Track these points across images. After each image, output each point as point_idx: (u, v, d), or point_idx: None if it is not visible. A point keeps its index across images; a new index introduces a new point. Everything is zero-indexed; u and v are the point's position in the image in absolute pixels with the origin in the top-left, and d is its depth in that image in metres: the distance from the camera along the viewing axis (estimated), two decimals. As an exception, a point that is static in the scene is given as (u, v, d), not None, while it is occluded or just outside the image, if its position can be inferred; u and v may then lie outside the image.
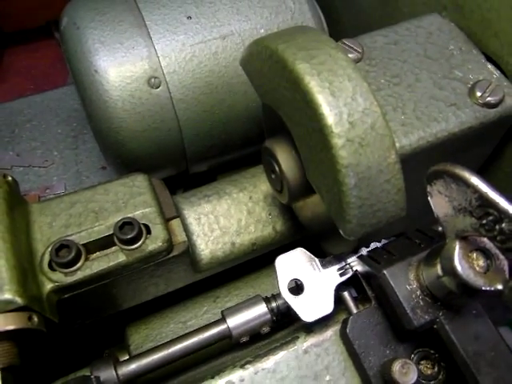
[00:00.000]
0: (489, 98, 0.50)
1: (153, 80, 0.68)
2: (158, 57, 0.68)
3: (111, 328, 0.71)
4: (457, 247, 0.38)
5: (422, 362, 0.46)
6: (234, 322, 0.54)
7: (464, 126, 0.49)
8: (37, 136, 1.05)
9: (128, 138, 0.70)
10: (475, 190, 0.35)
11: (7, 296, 0.43)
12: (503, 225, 0.35)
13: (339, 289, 0.51)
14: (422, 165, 0.42)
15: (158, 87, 0.68)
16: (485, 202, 0.35)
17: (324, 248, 0.65)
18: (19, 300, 0.44)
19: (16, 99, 1.12)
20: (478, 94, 0.50)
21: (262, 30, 0.72)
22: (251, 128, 0.77)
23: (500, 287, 0.37)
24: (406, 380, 0.42)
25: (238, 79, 0.71)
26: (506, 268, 0.37)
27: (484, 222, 0.36)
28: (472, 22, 0.55)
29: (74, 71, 0.70)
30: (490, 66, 0.53)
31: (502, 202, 0.35)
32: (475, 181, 0.35)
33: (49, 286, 0.50)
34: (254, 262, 0.73)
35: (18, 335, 0.44)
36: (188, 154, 0.76)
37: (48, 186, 0.97)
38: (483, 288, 0.37)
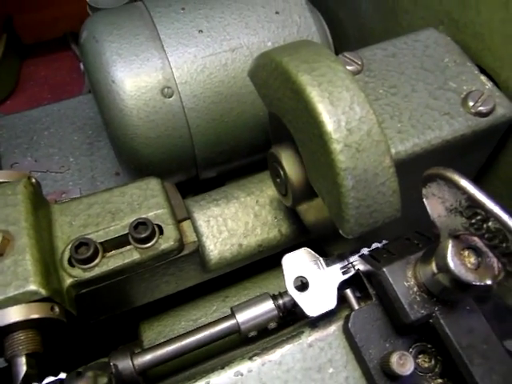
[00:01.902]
0: (480, 108, 0.53)
1: (166, 90, 0.72)
2: (172, 68, 0.72)
3: (124, 326, 0.75)
4: (450, 245, 0.40)
5: (420, 356, 0.48)
6: (243, 317, 0.56)
7: (457, 134, 0.52)
8: (54, 143, 1.09)
9: (142, 145, 0.74)
10: (464, 191, 0.39)
11: (32, 287, 0.47)
12: (489, 223, 0.38)
13: (342, 287, 0.53)
14: (418, 170, 0.45)
15: (170, 97, 0.73)
16: (473, 203, 0.38)
17: (326, 250, 0.68)
18: (43, 291, 0.47)
19: (34, 108, 1.17)
20: (471, 103, 0.53)
21: (270, 43, 0.76)
22: (258, 136, 0.81)
23: (489, 282, 0.39)
24: (403, 370, 0.44)
25: (246, 89, 0.75)
26: (496, 265, 0.40)
27: (473, 221, 0.39)
28: (466, 36, 0.59)
29: (92, 81, 0.74)
30: (482, 77, 0.56)
31: (487, 202, 0.38)
32: (464, 183, 0.39)
33: (68, 280, 0.54)
34: (263, 263, 0.77)
35: (41, 324, 0.48)
36: (198, 160, 0.80)
37: (64, 190, 1.02)
38: (473, 283, 0.39)
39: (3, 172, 0.56)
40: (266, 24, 0.76)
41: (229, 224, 0.70)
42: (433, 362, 0.48)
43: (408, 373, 0.44)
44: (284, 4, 0.78)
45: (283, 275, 0.54)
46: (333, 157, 0.43)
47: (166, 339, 0.68)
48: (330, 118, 0.43)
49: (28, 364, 0.45)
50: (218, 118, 0.76)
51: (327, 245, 0.68)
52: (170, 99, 0.73)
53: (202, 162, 0.81)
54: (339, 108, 0.44)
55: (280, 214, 0.71)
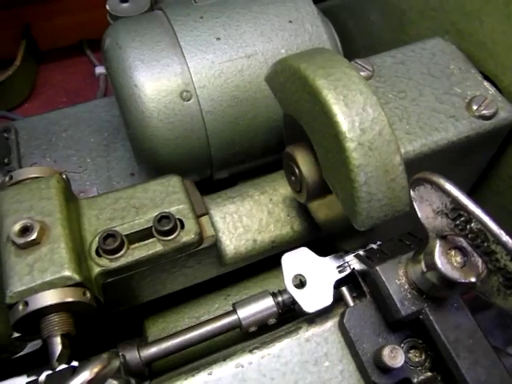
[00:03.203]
0: (484, 111, 0.56)
1: (185, 94, 0.76)
2: (190, 73, 0.76)
3: (125, 325, 0.77)
4: (437, 245, 0.43)
5: (411, 351, 0.51)
6: (244, 313, 0.59)
7: (462, 135, 0.56)
8: (72, 144, 1.13)
9: (160, 145, 0.78)
10: (449, 194, 0.42)
11: (67, 273, 0.51)
12: (472, 224, 0.41)
13: (338, 286, 0.56)
14: (425, 169, 0.49)
15: (189, 100, 0.77)
16: (457, 205, 0.41)
17: (336, 246, 0.71)
18: (77, 277, 0.51)
19: (53, 111, 1.21)
20: (475, 107, 0.57)
21: (283, 50, 0.80)
22: (271, 138, 0.84)
23: (473, 280, 0.42)
24: (394, 363, 0.46)
25: (261, 94, 0.79)
26: (480, 264, 0.43)
27: (457, 222, 0.42)
28: (471, 44, 0.63)
29: (115, 85, 0.78)
30: (486, 83, 0.60)
31: (470, 204, 0.41)
32: (448, 187, 0.42)
33: (96, 269, 0.57)
34: (263, 264, 0.80)
35: (74, 308, 0.52)
36: (213, 161, 0.84)
37: (82, 190, 1.05)
38: (459, 280, 0.42)
39: (36, 168, 0.60)
40: (280, 32, 0.80)
41: (244, 220, 0.73)
42: (423, 356, 0.50)
43: (399, 365, 0.46)
44: (297, 13, 0.82)
45: (282, 273, 0.56)
46: (347, 154, 0.47)
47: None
48: (344, 119, 0.47)
49: (63, 343, 0.49)
50: (233, 120, 0.79)
51: (337, 241, 0.71)
52: (189, 102, 0.77)
53: (216, 163, 0.85)
54: (353, 110, 0.47)
55: (292, 211, 0.75)
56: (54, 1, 1.43)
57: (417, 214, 0.54)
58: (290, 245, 0.75)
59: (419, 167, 0.57)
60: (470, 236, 0.41)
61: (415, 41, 0.68)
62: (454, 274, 0.42)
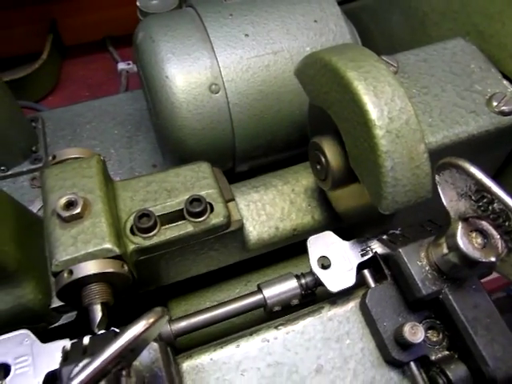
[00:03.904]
0: (503, 108, 0.60)
1: (213, 86, 0.80)
2: (220, 67, 0.80)
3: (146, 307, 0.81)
4: (459, 227, 0.46)
5: (429, 331, 0.53)
6: (269, 293, 0.62)
7: (482, 129, 0.59)
8: (96, 136, 1.18)
9: (188, 135, 0.82)
10: (473, 177, 0.45)
11: (108, 245, 0.54)
12: (494, 205, 0.44)
13: (360, 269, 0.59)
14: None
15: (217, 93, 0.80)
16: (480, 187, 0.45)
17: (355, 235, 0.74)
18: (117, 249, 0.54)
19: (78, 103, 1.25)
20: (494, 103, 0.60)
21: (308, 48, 0.84)
22: (292, 132, 0.88)
23: (493, 259, 0.45)
24: (414, 339, 0.49)
25: (285, 89, 0.83)
26: (499, 245, 0.46)
27: (480, 204, 0.46)
28: (491, 45, 0.66)
29: (146, 77, 0.82)
30: (505, 82, 0.63)
31: (493, 186, 0.44)
32: (473, 170, 0.45)
33: (131, 246, 0.60)
34: (281, 254, 0.83)
35: (112, 279, 0.55)
36: (237, 153, 0.88)
37: (105, 179, 1.09)
38: (480, 259, 0.45)
39: (78, 149, 0.64)
40: (305, 31, 0.84)
41: (267, 208, 0.76)
42: (440, 336, 0.53)
43: (419, 341, 0.49)
44: (321, 13, 0.86)
45: (308, 254, 0.59)
46: (375, 141, 0.50)
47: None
48: (374, 108, 0.50)
49: (102, 311, 0.52)
50: (258, 113, 0.83)
51: (356, 230, 0.74)
52: (217, 95, 0.80)
53: (239, 155, 0.88)
54: (382, 100, 0.51)
55: (313, 202, 0.78)
56: (80, -2, 1.49)
57: (435, 202, 0.57)
58: (310, 234, 0.78)
59: (440, 158, 0.60)
60: (491, 216, 0.44)
61: (436, 42, 0.72)
62: (475, 254, 0.45)
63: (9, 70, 1.35)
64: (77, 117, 1.21)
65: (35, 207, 1.04)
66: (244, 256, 0.76)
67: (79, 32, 1.55)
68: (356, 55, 0.55)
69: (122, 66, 1.50)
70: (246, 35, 0.82)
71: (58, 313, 0.62)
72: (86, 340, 0.47)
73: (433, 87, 0.63)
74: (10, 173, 1.06)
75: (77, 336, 0.50)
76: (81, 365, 0.35)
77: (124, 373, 0.36)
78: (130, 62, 1.48)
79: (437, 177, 0.48)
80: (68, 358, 0.44)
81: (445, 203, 0.48)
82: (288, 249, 0.81)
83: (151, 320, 0.34)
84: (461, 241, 0.46)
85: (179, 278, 0.74)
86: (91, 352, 0.42)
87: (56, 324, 0.64)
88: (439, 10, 0.73)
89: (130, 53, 1.62)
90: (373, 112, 0.50)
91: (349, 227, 0.77)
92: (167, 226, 0.64)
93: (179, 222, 0.64)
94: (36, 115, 1.18)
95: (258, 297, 0.62)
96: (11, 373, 0.44)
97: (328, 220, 0.78)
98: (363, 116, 0.51)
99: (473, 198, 0.45)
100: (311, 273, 0.60)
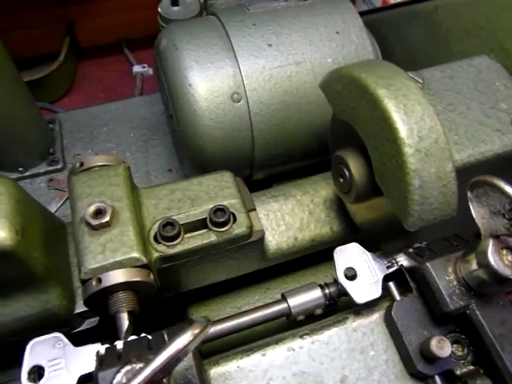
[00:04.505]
0: (528, 127, 0.60)
1: (235, 95, 0.81)
2: (242, 76, 0.81)
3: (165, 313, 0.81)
4: (490, 244, 0.47)
5: (454, 346, 0.54)
6: (294, 302, 0.62)
7: (507, 149, 0.59)
8: (112, 138, 1.19)
9: (209, 143, 0.82)
10: (508, 196, 0.46)
11: (135, 254, 0.55)
12: None
13: (385, 281, 0.59)
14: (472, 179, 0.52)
15: (239, 101, 0.81)
16: None
17: (374, 248, 0.75)
18: (144, 259, 0.55)
19: (94, 105, 1.26)
20: (520, 123, 0.60)
21: (330, 60, 0.84)
22: (311, 142, 0.89)
23: None
24: (442, 353, 0.49)
25: (306, 99, 0.83)
26: None
27: None
28: (516, 63, 0.66)
29: (169, 84, 0.83)
30: (529, 101, 0.64)
31: None
32: (508, 189, 0.46)
33: (155, 255, 0.61)
34: (301, 263, 0.84)
35: (138, 287, 0.56)
36: (255, 161, 0.88)
37: (121, 182, 1.10)
38: (510, 277, 0.46)
39: (105, 156, 0.64)
40: (328, 42, 0.85)
41: (286, 219, 0.77)
42: (466, 351, 0.53)
43: (446, 355, 0.49)
44: (344, 25, 0.86)
45: (334, 265, 0.59)
46: (404, 159, 0.51)
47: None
48: (404, 126, 0.51)
49: (129, 319, 0.53)
50: (279, 123, 0.84)
51: (375, 243, 0.75)
52: (239, 104, 0.81)
53: (258, 163, 0.89)
54: (412, 118, 0.51)
55: (332, 213, 0.79)
56: (97, 0, 1.49)
57: (456, 219, 0.58)
58: (328, 244, 0.79)
59: (465, 177, 0.60)
60: (525, 234, 0.45)
61: (458, 57, 0.72)
62: (506, 271, 0.46)
63: (25, 70, 1.36)
64: (93, 119, 1.22)
65: (52, 209, 1.05)
66: (262, 265, 0.77)
67: (95, 34, 1.56)
68: (385, 72, 0.55)
69: (137, 68, 1.51)
70: (269, 45, 0.83)
71: (81, 318, 0.63)
72: (120, 345, 0.48)
73: (458, 104, 0.63)
74: (27, 174, 1.07)
75: (96, 340, 0.51)
76: (123, 371, 0.36)
77: (165, 381, 0.36)
78: (145, 64, 1.49)
79: (469, 193, 0.48)
80: (103, 362, 0.44)
81: (476, 220, 0.49)
82: (306, 256, 0.82)
83: (197, 331, 0.34)
84: (492, 258, 0.47)
85: (198, 286, 0.74)
86: (126, 357, 0.43)
87: (79, 329, 0.65)
88: (464, 26, 0.73)
89: (144, 55, 1.63)
90: (403, 130, 0.51)
91: (366, 238, 0.77)
92: (190, 235, 0.64)
93: (202, 231, 0.64)
94: (53, 117, 1.19)
95: (283, 305, 0.63)
96: (45, 375, 0.45)
97: (346, 232, 0.78)
98: (393, 134, 0.51)
99: (506, 216, 0.46)
100: (335, 283, 0.60)
